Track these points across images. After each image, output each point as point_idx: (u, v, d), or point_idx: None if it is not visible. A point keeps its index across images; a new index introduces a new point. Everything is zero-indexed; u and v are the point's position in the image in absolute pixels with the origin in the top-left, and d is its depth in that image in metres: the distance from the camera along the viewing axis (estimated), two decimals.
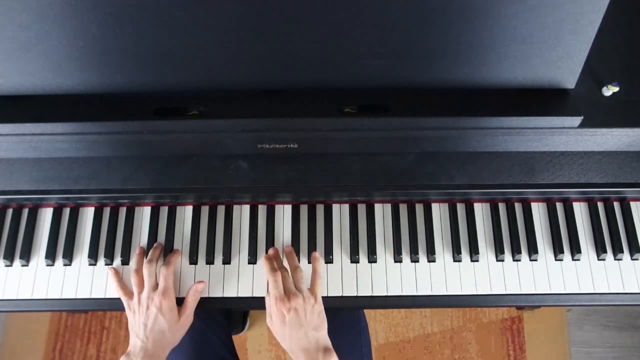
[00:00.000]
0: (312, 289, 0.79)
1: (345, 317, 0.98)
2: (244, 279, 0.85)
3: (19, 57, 0.67)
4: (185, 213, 0.89)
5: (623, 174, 0.81)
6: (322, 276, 0.82)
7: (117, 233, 0.88)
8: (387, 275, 0.85)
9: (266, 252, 0.86)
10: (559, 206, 0.89)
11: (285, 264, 0.84)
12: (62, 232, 0.88)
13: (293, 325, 0.75)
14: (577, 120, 0.73)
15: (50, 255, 0.86)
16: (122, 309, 0.82)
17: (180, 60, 0.68)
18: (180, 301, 0.82)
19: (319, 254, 0.84)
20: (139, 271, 0.82)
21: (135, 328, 0.79)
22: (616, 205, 0.89)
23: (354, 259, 0.86)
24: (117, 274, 0.84)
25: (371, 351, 0.98)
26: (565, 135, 0.76)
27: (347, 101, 0.73)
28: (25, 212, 0.89)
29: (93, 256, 0.86)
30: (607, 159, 0.81)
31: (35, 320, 1.60)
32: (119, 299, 0.83)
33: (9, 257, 0.86)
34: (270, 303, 0.78)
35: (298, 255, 0.86)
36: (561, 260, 0.86)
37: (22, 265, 0.86)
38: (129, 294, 0.81)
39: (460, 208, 0.88)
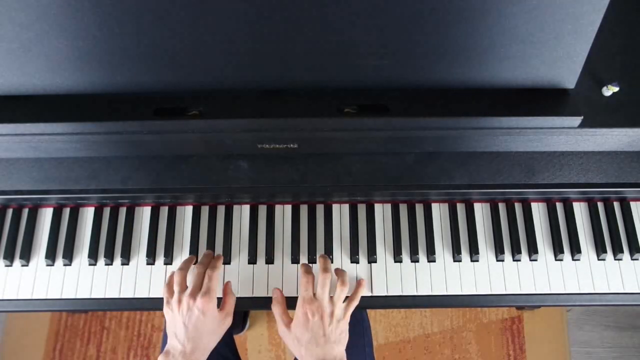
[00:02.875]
0: (346, 308, 0.78)
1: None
2: (244, 279, 0.85)
3: (19, 57, 0.67)
4: (185, 213, 0.89)
5: (623, 174, 0.81)
6: (357, 302, 0.80)
7: (117, 233, 0.88)
8: (387, 275, 0.85)
9: (266, 253, 0.86)
10: (559, 206, 0.89)
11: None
12: (62, 232, 0.88)
13: (314, 330, 0.74)
14: (577, 120, 0.73)
15: (50, 255, 0.86)
16: (121, 309, 0.81)
17: (181, 60, 0.68)
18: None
19: (365, 282, 0.83)
20: (184, 270, 0.80)
21: (173, 328, 0.76)
22: (616, 205, 0.89)
23: (354, 259, 0.86)
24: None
25: (373, 351, 0.98)
26: (565, 135, 0.76)
27: (347, 101, 0.73)
28: (25, 212, 0.89)
29: (93, 256, 0.86)
30: (607, 159, 0.81)
31: (35, 320, 1.60)
32: (119, 299, 0.83)
33: (9, 257, 0.86)
34: (297, 305, 0.77)
35: (298, 254, 0.86)
36: (561, 260, 0.86)
37: (22, 265, 0.86)
38: (170, 292, 0.79)
39: (460, 208, 0.88)
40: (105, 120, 0.71)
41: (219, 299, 0.80)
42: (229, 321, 0.80)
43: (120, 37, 0.64)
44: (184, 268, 0.80)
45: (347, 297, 0.79)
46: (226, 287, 0.82)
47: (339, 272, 0.81)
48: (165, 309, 0.78)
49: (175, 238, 0.88)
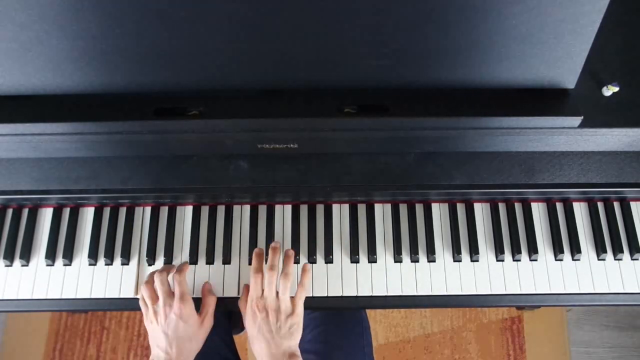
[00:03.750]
0: (294, 300, 0.77)
1: (348, 317, 0.98)
2: (244, 279, 0.85)
3: (19, 57, 0.67)
4: (185, 213, 0.89)
5: (623, 174, 0.81)
6: (308, 289, 0.79)
7: (117, 233, 0.88)
8: (387, 275, 0.85)
9: (266, 253, 0.86)
10: (559, 206, 0.89)
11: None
12: (62, 232, 0.88)
13: (261, 327, 0.75)
14: (577, 120, 0.73)
15: (50, 255, 0.86)
16: (121, 309, 0.81)
17: (181, 60, 0.68)
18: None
19: (310, 266, 0.82)
20: (149, 282, 0.80)
21: (156, 339, 0.77)
22: (616, 205, 0.89)
23: (354, 259, 0.86)
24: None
25: (373, 351, 0.98)
26: (565, 135, 0.76)
27: (347, 101, 0.73)
28: (25, 212, 0.89)
29: (93, 256, 0.86)
30: (607, 159, 0.81)
31: (35, 320, 1.60)
32: (119, 299, 0.83)
33: (9, 257, 0.86)
34: (248, 302, 0.77)
35: (298, 254, 0.86)
36: (561, 260, 0.86)
37: (22, 265, 0.86)
38: (145, 306, 0.79)
39: (460, 208, 0.88)
40: (106, 120, 0.72)
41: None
42: (209, 323, 0.80)
43: (120, 37, 0.64)
44: (150, 280, 0.80)
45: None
46: (204, 288, 0.83)
47: (284, 263, 0.80)
48: (145, 321, 0.79)
49: (175, 238, 0.87)
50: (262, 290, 0.77)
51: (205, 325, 0.79)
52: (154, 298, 0.78)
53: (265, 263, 0.81)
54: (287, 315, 0.75)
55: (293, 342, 0.76)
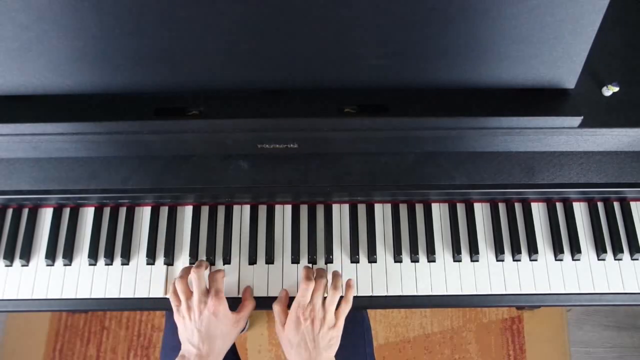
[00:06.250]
0: (337, 313, 0.78)
1: (349, 317, 0.98)
2: (244, 279, 0.85)
3: (19, 57, 0.67)
4: (185, 213, 0.89)
5: (623, 174, 0.81)
6: (350, 305, 0.80)
7: (117, 233, 0.88)
8: (387, 275, 0.85)
9: (266, 253, 0.86)
10: (559, 206, 0.89)
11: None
12: (62, 232, 0.88)
13: (304, 334, 0.74)
14: (577, 120, 0.73)
15: (50, 255, 0.86)
16: (121, 309, 0.81)
17: (181, 59, 0.68)
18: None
19: (354, 282, 0.82)
20: (184, 277, 0.79)
21: (187, 335, 0.76)
22: (616, 205, 0.89)
23: (354, 259, 0.86)
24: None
25: (374, 351, 0.98)
26: (565, 135, 0.76)
27: (347, 101, 0.73)
28: (25, 212, 0.89)
29: (93, 256, 0.86)
30: (607, 159, 0.81)
31: (35, 320, 1.60)
32: (119, 299, 0.83)
33: (9, 257, 0.86)
34: (291, 308, 0.77)
35: (298, 255, 0.86)
36: (561, 260, 0.86)
37: (22, 265, 0.86)
38: (177, 299, 0.79)
39: (460, 208, 0.88)
40: (106, 120, 0.72)
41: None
42: (242, 324, 0.80)
43: (120, 37, 0.64)
44: (184, 275, 0.80)
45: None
46: (246, 292, 0.83)
47: (333, 276, 0.81)
48: (176, 316, 0.78)
49: (176, 238, 0.87)
50: (310, 299, 0.77)
51: (239, 326, 0.79)
52: (188, 293, 0.78)
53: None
54: (330, 327, 0.76)
55: (331, 353, 0.76)
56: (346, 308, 0.79)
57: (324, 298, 0.78)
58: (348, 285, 0.81)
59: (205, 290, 0.78)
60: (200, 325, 0.75)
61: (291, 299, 0.82)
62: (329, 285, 0.80)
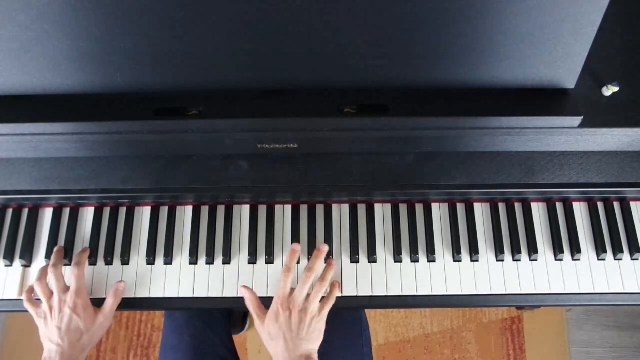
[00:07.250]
0: (321, 306, 0.78)
1: (347, 316, 0.98)
2: (244, 279, 0.85)
3: (19, 57, 0.67)
4: (185, 213, 0.89)
5: (623, 174, 0.81)
6: (332, 303, 0.80)
7: (117, 233, 0.88)
8: (387, 275, 0.85)
9: (266, 253, 0.86)
10: (559, 206, 0.88)
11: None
12: (62, 232, 0.88)
13: (284, 325, 0.74)
14: (577, 120, 0.73)
15: (50, 255, 0.86)
16: (121, 309, 0.81)
17: (181, 60, 0.68)
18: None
19: (339, 283, 0.83)
20: (42, 279, 0.79)
21: (48, 334, 0.76)
22: (616, 205, 0.89)
23: (354, 259, 0.86)
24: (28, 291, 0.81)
25: (372, 351, 0.98)
26: (565, 135, 0.76)
27: (347, 101, 0.73)
28: (25, 212, 0.89)
29: (93, 256, 0.86)
30: (607, 159, 0.81)
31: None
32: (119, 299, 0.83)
33: (9, 257, 0.86)
34: (273, 300, 0.77)
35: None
36: (561, 260, 0.86)
37: (22, 265, 0.86)
38: (34, 304, 0.79)
39: (460, 208, 0.88)
40: (106, 120, 0.72)
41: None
42: (107, 322, 0.79)
43: (120, 37, 0.64)
44: (42, 276, 0.80)
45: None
46: (113, 287, 0.81)
47: (324, 270, 0.81)
48: (36, 319, 0.78)
49: (175, 238, 0.87)
50: (290, 290, 0.77)
51: (102, 322, 0.78)
52: (49, 293, 0.78)
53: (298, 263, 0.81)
54: (313, 317, 0.75)
55: (312, 346, 0.75)
56: (330, 303, 0.79)
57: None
58: (333, 285, 0.81)
59: (65, 287, 0.78)
60: (60, 323, 0.75)
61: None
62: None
